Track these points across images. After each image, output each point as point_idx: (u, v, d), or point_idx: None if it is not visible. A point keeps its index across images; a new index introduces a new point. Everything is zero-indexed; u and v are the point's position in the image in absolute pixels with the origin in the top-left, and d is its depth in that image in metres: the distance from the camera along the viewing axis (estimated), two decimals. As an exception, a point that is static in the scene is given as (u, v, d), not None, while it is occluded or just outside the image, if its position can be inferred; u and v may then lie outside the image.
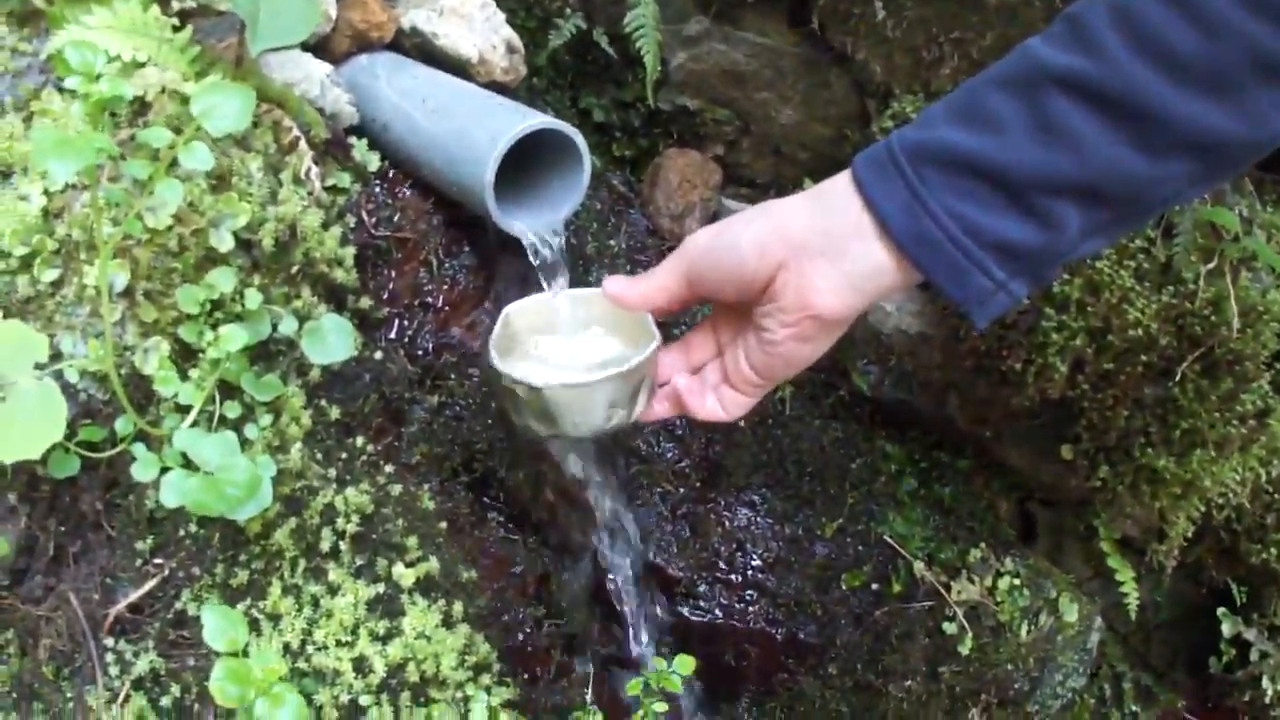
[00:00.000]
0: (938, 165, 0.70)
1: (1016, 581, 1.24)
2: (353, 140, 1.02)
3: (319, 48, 1.07)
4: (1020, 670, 1.26)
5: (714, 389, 0.84)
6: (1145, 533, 1.28)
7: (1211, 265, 1.08)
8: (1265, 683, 1.44)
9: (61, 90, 0.86)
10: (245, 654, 0.66)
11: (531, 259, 0.93)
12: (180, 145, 0.72)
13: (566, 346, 0.90)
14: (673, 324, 1.15)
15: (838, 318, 0.75)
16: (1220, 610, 1.42)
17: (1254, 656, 1.43)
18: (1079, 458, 1.18)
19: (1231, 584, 1.40)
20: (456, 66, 1.12)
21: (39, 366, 0.70)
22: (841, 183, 0.75)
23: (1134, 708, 1.53)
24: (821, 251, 0.74)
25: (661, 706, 0.95)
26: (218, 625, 0.65)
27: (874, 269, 0.72)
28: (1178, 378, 1.11)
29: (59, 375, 0.72)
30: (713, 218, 1.24)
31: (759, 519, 1.18)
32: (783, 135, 1.26)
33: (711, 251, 0.80)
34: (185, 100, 0.80)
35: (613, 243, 1.17)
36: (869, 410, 1.27)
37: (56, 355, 0.75)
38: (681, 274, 0.83)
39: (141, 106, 0.80)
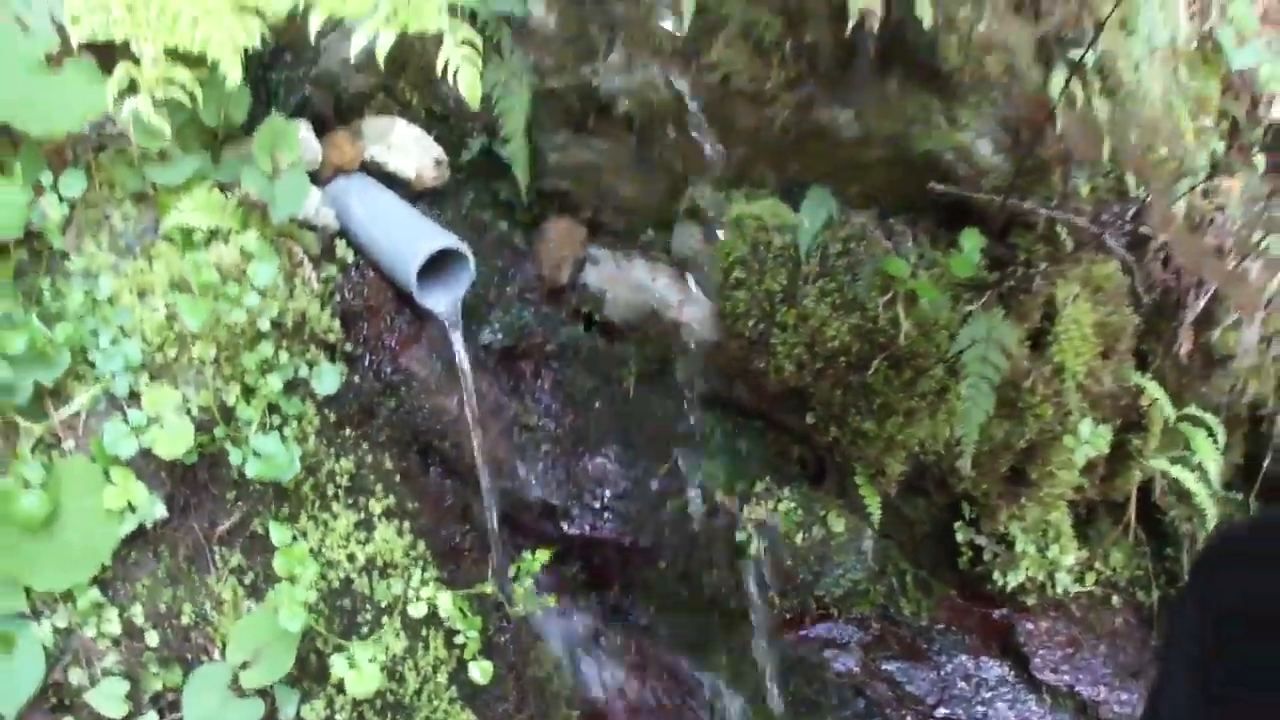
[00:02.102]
0: None
1: (793, 505, 2.09)
2: (338, 242, 1.87)
3: (311, 175, 1.92)
4: (802, 565, 2.11)
5: None
6: (881, 475, 2.12)
7: (887, 297, 1.91)
8: (997, 576, 2.29)
9: (167, 241, 1.71)
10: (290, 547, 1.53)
11: (443, 321, 1.80)
12: (243, 291, 1.58)
13: None
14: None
15: None
16: (956, 524, 2.27)
17: (987, 557, 2.29)
18: (817, 422, 2.03)
19: (964, 504, 2.25)
20: (402, 181, 1.97)
21: (176, 409, 1.56)
22: None
23: (917, 595, 2.39)
24: None
25: (529, 581, 1.81)
26: (278, 533, 1.51)
27: None
28: (872, 370, 1.94)
29: (187, 411, 1.58)
30: (581, 264, 2.07)
31: (610, 466, 2.04)
32: (626, 205, 2.09)
33: None
34: (243, 253, 1.65)
35: (508, 289, 2.03)
36: (690, 392, 2.12)
37: (185, 400, 1.61)
38: None
39: (222, 274, 1.65)
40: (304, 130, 1.85)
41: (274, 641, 1.48)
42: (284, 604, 1.46)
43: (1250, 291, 1.97)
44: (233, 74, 1.50)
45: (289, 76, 1.93)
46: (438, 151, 2.00)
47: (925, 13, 1.60)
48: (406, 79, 1.97)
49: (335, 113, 2.00)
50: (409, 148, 1.97)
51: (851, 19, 1.59)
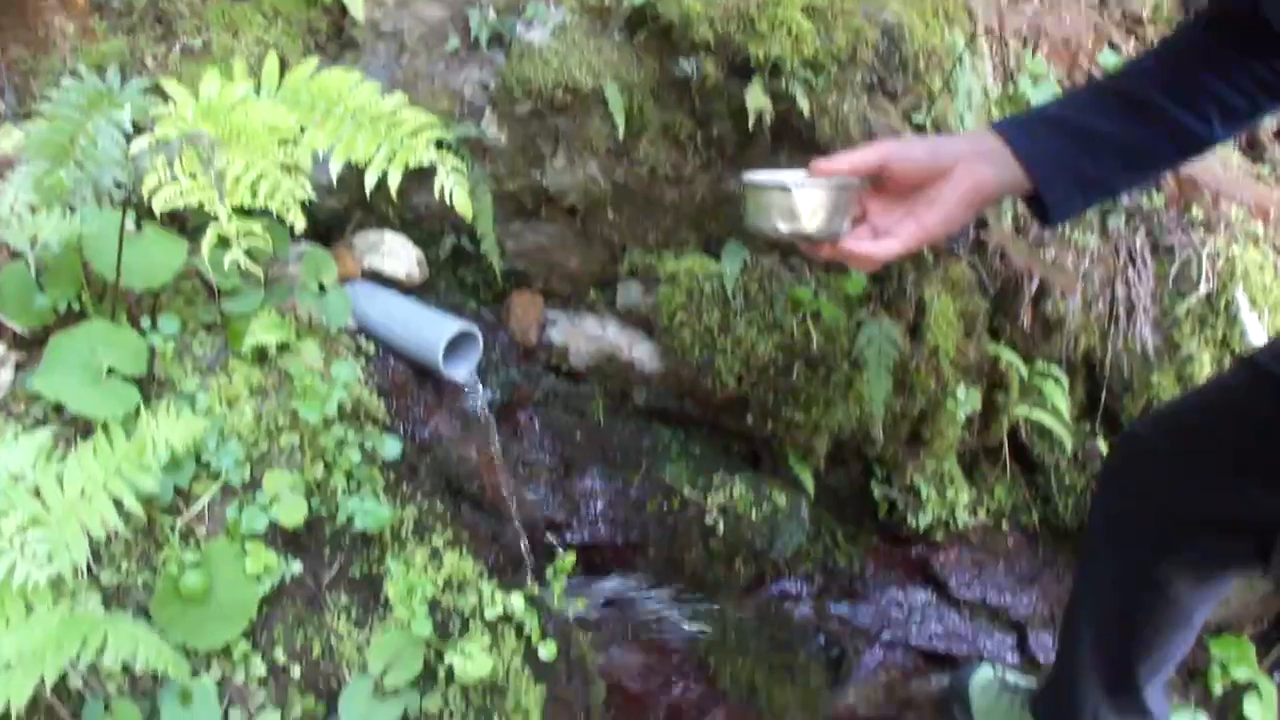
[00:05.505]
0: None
1: (744, 489, 2.71)
2: (359, 338, 2.44)
3: (325, 288, 2.48)
4: (758, 536, 2.74)
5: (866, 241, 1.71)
6: (811, 453, 2.76)
7: (799, 317, 2.55)
8: (909, 519, 2.96)
9: (239, 359, 2.26)
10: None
11: (465, 387, 2.38)
12: (324, 401, 2.15)
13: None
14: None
15: (989, 196, 1.71)
16: (872, 484, 2.94)
17: (899, 505, 2.95)
18: (756, 420, 2.66)
19: (876, 466, 2.91)
20: (395, 282, 2.54)
21: (290, 488, 2.12)
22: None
23: (849, 547, 3.04)
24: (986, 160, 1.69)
25: (563, 579, 2.40)
26: (393, 563, 2.09)
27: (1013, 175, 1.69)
28: (794, 374, 2.57)
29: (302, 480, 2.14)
30: (544, 326, 2.67)
31: (596, 483, 2.65)
32: (573, 274, 2.69)
33: (909, 147, 1.71)
34: (323, 356, 2.21)
35: (494, 355, 2.62)
36: (646, 413, 2.73)
37: (292, 479, 2.16)
38: (881, 153, 1.68)
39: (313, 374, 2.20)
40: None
41: (404, 650, 2.05)
42: (413, 617, 2.04)
43: (1067, 275, 2.68)
44: (299, 223, 2.04)
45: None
46: (418, 253, 2.58)
47: (804, 104, 2.25)
48: (380, 196, 2.54)
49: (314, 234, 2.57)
50: (398, 253, 2.54)
51: (752, 116, 2.23)
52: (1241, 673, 3.11)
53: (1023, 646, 3.13)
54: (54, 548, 1.74)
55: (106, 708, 1.95)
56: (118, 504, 1.77)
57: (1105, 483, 2.36)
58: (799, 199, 1.68)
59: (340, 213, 2.59)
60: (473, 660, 2.05)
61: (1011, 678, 2.87)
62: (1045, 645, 3.10)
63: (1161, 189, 2.95)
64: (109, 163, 2.13)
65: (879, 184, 1.75)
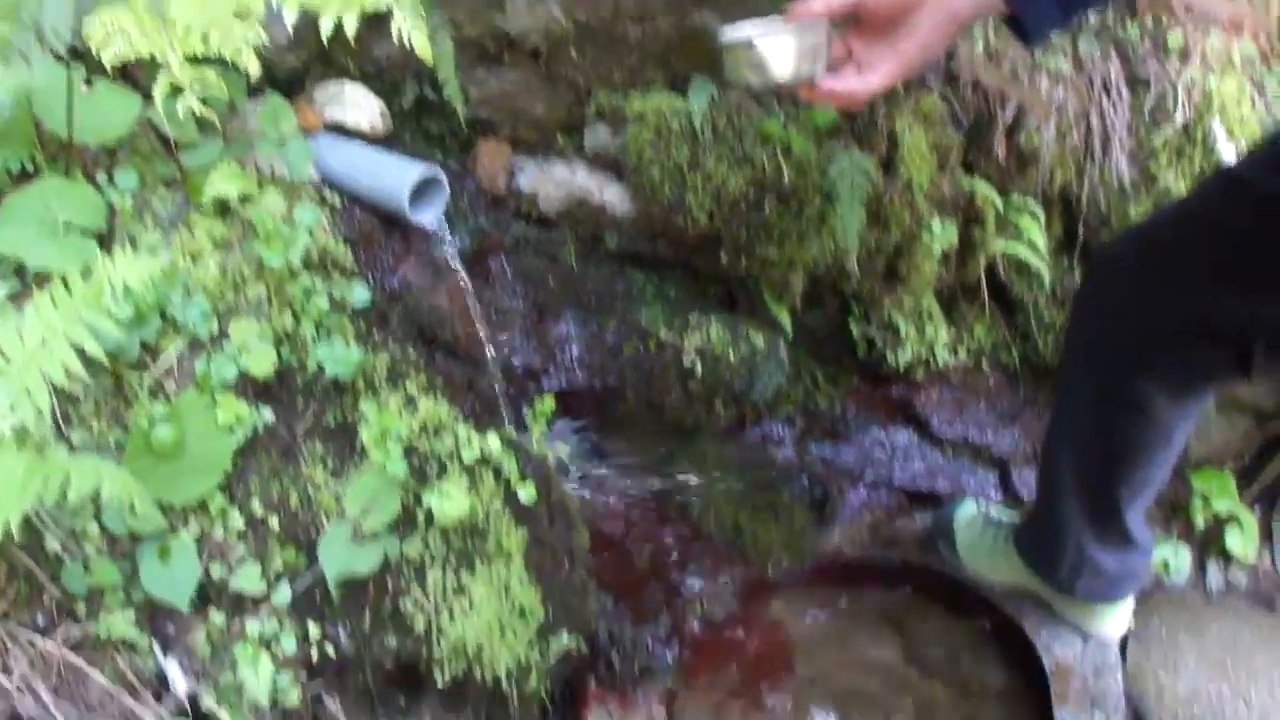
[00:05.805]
0: None
1: (721, 330, 2.69)
2: (324, 189, 2.39)
3: (286, 141, 2.43)
4: (737, 377, 2.72)
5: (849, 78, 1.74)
6: (787, 291, 2.74)
7: (769, 150, 2.50)
8: (889, 358, 2.94)
9: (200, 213, 2.21)
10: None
11: (433, 233, 2.34)
12: (289, 246, 2.11)
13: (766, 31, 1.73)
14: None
15: (964, 19, 1.69)
16: (850, 321, 2.91)
17: (879, 344, 2.94)
18: (730, 258, 2.62)
19: (853, 304, 2.89)
20: (359, 133, 2.49)
21: (258, 337, 2.09)
22: None
23: (829, 389, 3.03)
24: None
25: (542, 423, 2.38)
26: (367, 406, 2.07)
27: None
28: (766, 209, 2.54)
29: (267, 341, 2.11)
30: (512, 174, 2.63)
31: (571, 328, 2.63)
32: (539, 120, 2.64)
33: None
34: (275, 218, 2.17)
35: (462, 204, 2.58)
36: (619, 256, 2.70)
37: (259, 329, 2.13)
38: None
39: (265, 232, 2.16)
40: (279, 104, 2.37)
41: (381, 491, 2.03)
42: (387, 458, 2.02)
43: (1042, 101, 2.64)
44: (254, 68, 1.97)
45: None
46: (381, 104, 2.52)
47: (764, -72, 2.19)
48: (339, 48, 2.47)
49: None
50: (360, 104, 2.48)
51: (712, -56, 2.18)
52: (1223, 505, 3.11)
53: (1005, 484, 3.14)
54: (15, 399, 1.71)
55: (86, 569, 1.93)
56: (79, 351, 1.74)
57: (1081, 306, 2.33)
58: (764, 50, 1.70)
59: (299, 70, 2.52)
60: (450, 500, 2.03)
61: (995, 512, 2.87)
62: (1028, 482, 3.10)
63: (1136, 17, 2.89)
64: (55, 20, 2.07)
65: (860, 22, 1.76)
